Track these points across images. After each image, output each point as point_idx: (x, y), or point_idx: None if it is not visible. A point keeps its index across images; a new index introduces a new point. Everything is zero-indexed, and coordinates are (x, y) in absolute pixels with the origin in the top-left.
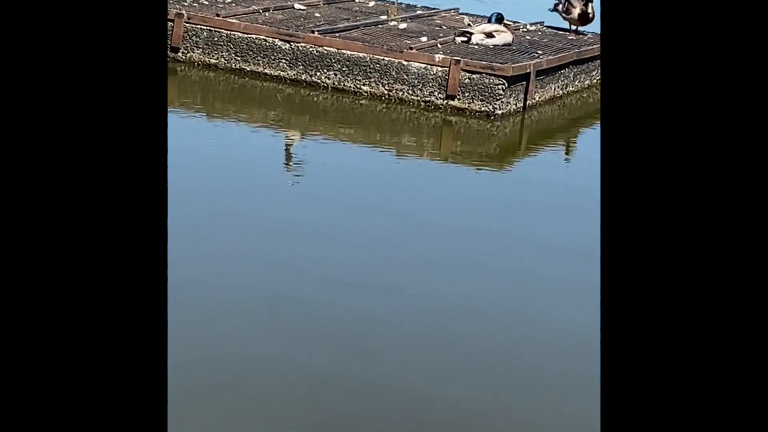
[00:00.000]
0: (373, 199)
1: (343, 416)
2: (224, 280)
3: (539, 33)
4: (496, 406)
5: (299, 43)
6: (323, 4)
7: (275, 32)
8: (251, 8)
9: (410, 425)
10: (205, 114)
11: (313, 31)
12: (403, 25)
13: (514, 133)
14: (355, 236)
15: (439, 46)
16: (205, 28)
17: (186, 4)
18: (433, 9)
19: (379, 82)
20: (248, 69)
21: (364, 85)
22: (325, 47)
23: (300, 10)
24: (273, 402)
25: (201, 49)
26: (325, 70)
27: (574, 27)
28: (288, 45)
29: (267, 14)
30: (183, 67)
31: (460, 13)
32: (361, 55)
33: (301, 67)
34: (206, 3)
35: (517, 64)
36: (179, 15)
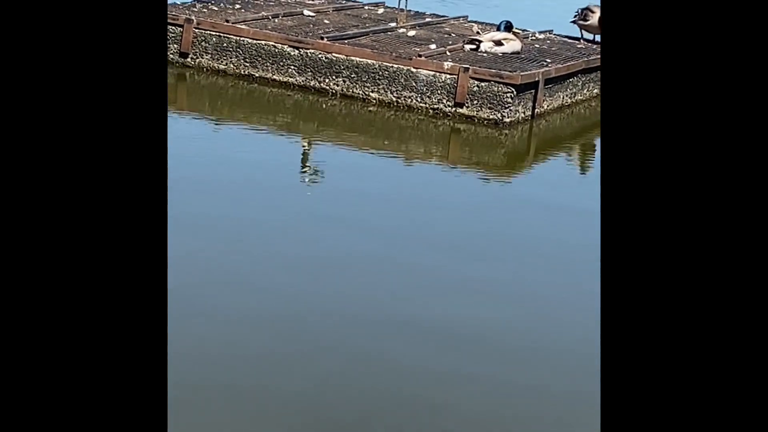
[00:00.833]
0: (380, 203)
1: (347, 421)
2: (230, 281)
3: (548, 41)
4: (503, 415)
5: (308, 49)
6: (333, 10)
7: (284, 38)
8: (261, 14)
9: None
10: (213, 119)
11: (322, 38)
12: (412, 33)
13: (522, 141)
14: (366, 243)
15: (448, 53)
16: (214, 33)
17: (195, 9)
18: (443, 16)
19: (388, 89)
20: (257, 75)
21: (372, 92)
22: (334, 54)
23: (309, 16)
24: (278, 407)
25: (210, 55)
26: (334, 77)
27: (591, 36)
28: (297, 51)
29: (276, 20)
30: (192, 72)
31: (469, 21)
32: (370, 62)
33: (309, 73)
34: (216, 9)
35: (526, 73)
36: (189, 20)
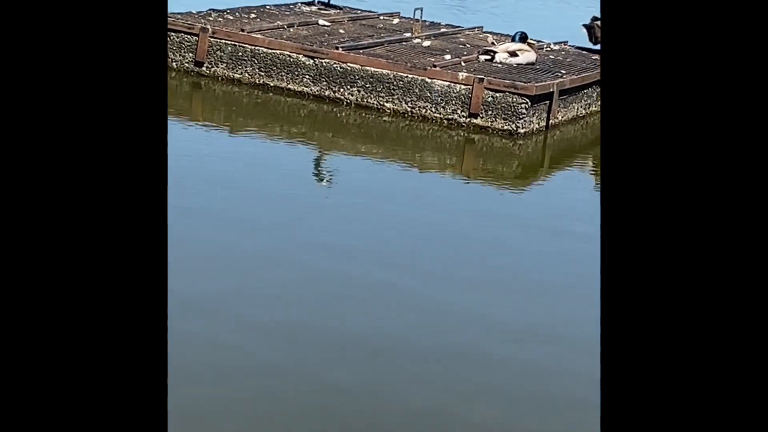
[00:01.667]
0: (393, 214)
1: (353, 429)
2: (240, 289)
3: (563, 52)
4: (509, 426)
5: (323, 59)
6: (348, 20)
7: (299, 48)
8: (276, 24)
9: None
10: (228, 128)
11: (337, 48)
12: (427, 43)
13: (537, 152)
14: (377, 251)
15: (463, 64)
16: (229, 43)
17: (211, 19)
18: (457, 27)
19: (403, 99)
20: (272, 84)
21: (387, 102)
22: (348, 63)
23: (324, 26)
24: (287, 414)
25: (225, 64)
26: (349, 87)
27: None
28: (312, 61)
29: (291, 30)
30: (207, 81)
31: (484, 32)
32: (384, 71)
33: (324, 83)
34: (231, 18)
35: (541, 84)
36: (204, 30)
